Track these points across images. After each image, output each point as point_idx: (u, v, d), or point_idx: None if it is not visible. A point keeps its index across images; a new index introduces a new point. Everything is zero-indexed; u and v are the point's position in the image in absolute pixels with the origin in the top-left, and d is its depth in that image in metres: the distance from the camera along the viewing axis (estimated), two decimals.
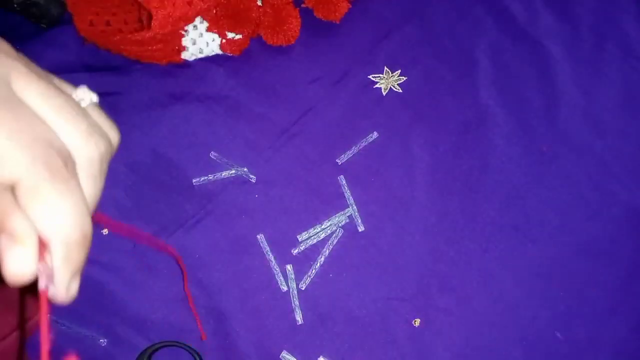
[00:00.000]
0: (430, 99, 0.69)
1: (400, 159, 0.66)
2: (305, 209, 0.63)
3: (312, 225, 0.62)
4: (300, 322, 0.59)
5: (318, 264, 0.61)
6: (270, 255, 0.61)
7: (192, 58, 0.69)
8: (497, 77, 0.70)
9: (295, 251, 0.61)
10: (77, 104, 0.27)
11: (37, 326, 0.54)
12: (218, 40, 0.68)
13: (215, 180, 0.63)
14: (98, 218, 0.28)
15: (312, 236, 0.62)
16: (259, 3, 0.69)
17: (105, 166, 0.27)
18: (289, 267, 0.60)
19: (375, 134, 0.67)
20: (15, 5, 0.66)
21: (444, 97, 0.69)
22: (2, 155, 0.23)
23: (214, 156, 0.64)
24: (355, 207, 0.63)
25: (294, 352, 0.58)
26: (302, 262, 0.61)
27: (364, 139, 0.66)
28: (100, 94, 0.28)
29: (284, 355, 0.58)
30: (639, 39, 0.74)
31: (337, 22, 0.71)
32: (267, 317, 0.59)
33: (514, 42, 0.73)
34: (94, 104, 0.28)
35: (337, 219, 0.63)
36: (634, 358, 0.60)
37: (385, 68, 0.70)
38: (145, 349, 0.55)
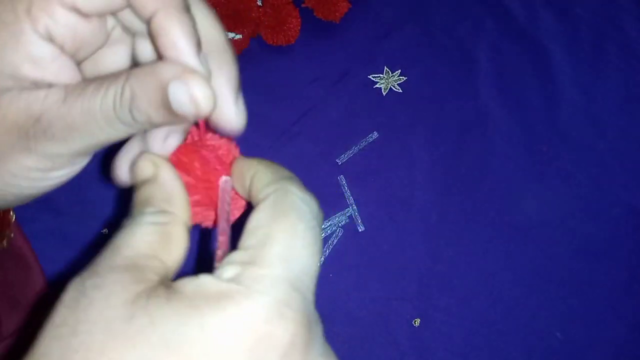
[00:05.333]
0: (430, 99, 0.69)
1: (400, 159, 0.66)
2: None
3: None
4: None
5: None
6: None
7: None
8: (497, 77, 0.70)
9: None
10: None
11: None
12: None
13: None
14: None
15: None
16: (259, 3, 0.69)
17: None
18: None
19: (375, 134, 0.67)
20: None
21: (444, 97, 0.69)
22: None
23: None
24: (355, 207, 0.63)
25: None
26: None
27: (364, 139, 0.66)
28: None
29: None
30: (639, 39, 0.74)
31: (337, 22, 0.71)
32: None
33: (514, 42, 0.73)
34: None
35: (337, 219, 0.63)
36: (634, 358, 0.60)
37: (385, 68, 0.70)
38: None
